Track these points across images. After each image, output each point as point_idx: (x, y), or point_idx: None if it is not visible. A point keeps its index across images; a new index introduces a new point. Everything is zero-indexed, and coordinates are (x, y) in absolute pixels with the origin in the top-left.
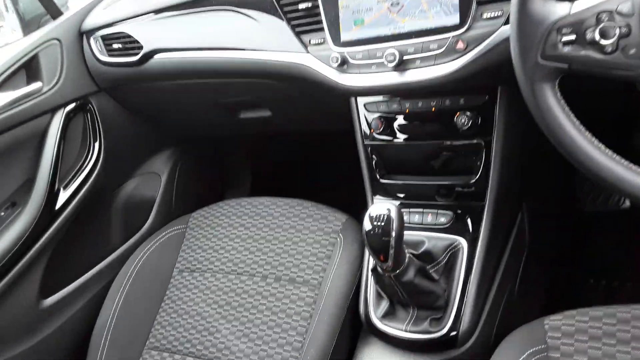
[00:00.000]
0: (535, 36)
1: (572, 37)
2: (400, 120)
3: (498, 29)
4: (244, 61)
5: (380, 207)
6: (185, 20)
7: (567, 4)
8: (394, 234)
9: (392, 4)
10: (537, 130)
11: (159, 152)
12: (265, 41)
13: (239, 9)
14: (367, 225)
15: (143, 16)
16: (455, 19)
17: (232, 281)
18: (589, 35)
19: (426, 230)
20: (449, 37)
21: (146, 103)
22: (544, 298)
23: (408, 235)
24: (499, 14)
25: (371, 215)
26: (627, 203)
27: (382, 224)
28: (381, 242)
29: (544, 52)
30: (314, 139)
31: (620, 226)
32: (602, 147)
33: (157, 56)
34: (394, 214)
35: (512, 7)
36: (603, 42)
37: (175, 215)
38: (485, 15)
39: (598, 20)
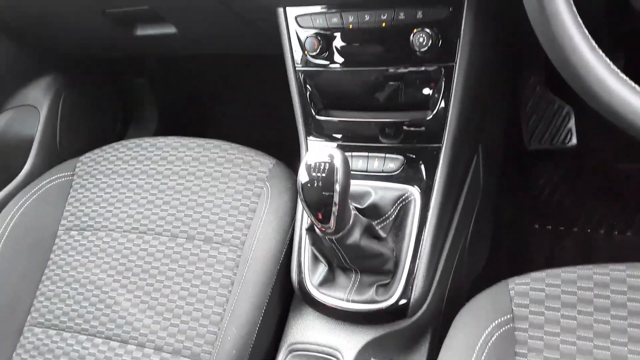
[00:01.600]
0: None
1: None
2: (341, 39)
3: None
4: None
5: (321, 153)
6: None
7: None
8: (338, 187)
9: None
10: (505, 52)
11: (35, 79)
12: None
13: None
14: (303, 176)
15: None
16: None
17: (132, 242)
18: None
19: (372, 179)
20: None
21: (9, 15)
22: (490, 245)
23: (351, 185)
24: None
25: (309, 163)
26: (574, 141)
27: (324, 174)
28: (321, 197)
29: None
30: (233, 62)
31: (566, 165)
32: (620, 73)
33: None
34: (338, 162)
35: None
36: None
37: (61, 159)
38: None
39: None
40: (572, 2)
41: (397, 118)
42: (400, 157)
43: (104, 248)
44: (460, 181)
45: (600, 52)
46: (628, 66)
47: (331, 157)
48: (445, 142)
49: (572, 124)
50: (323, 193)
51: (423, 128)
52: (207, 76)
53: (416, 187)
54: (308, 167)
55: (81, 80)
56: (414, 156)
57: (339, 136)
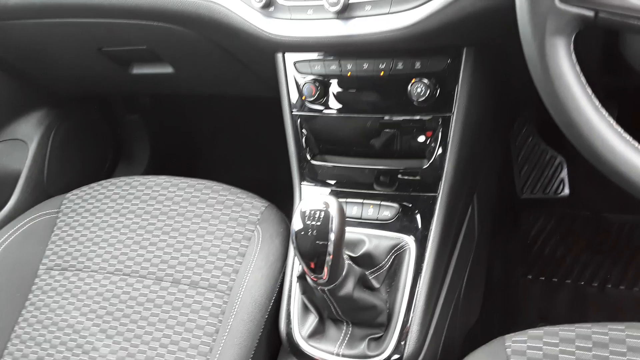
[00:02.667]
0: None
1: None
2: (339, 85)
3: None
4: None
5: (316, 200)
6: None
7: None
8: (333, 237)
9: None
10: (499, 103)
11: (26, 114)
12: None
13: None
14: (297, 223)
15: None
16: None
17: (115, 284)
18: None
19: (366, 227)
20: None
21: (4, 49)
22: (482, 297)
23: (345, 233)
24: None
25: (303, 210)
26: (567, 191)
27: (318, 223)
28: (315, 247)
29: None
30: (228, 102)
31: (559, 215)
32: (624, 133)
33: None
34: (334, 211)
35: None
36: None
37: (47, 195)
38: None
39: None
40: (575, 61)
41: (392, 166)
42: (396, 205)
43: (85, 290)
44: (455, 231)
45: (604, 111)
46: (618, 120)
47: (326, 205)
48: (441, 191)
49: (564, 174)
50: (317, 242)
51: (418, 177)
52: (201, 115)
53: (411, 236)
54: (302, 215)
55: (73, 115)
56: (410, 205)
57: (334, 182)
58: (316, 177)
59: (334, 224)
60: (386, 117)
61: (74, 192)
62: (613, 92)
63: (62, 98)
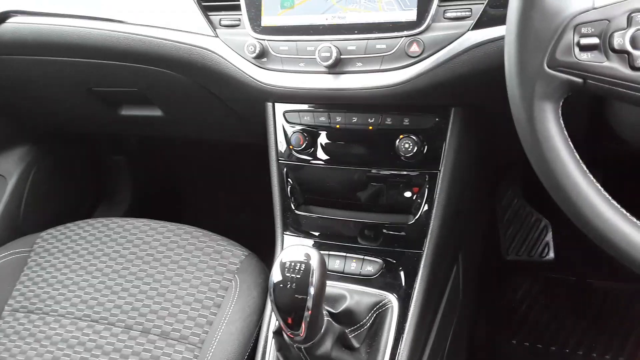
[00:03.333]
0: (545, 33)
1: (594, 40)
2: (327, 137)
3: (464, 33)
4: (128, 38)
5: (297, 251)
6: None
7: None
8: (312, 291)
9: None
10: (485, 162)
11: (8, 149)
12: (158, 14)
13: None
14: (276, 275)
15: None
16: (411, 14)
17: (81, 330)
18: (616, 41)
19: (348, 282)
20: (401, 37)
21: None
22: None
23: (326, 287)
24: (466, 14)
25: (283, 262)
26: (551, 254)
27: (298, 276)
28: (294, 300)
29: (553, 57)
30: (214, 147)
31: (543, 279)
32: (611, 199)
33: (10, 20)
34: (315, 263)
35: None
36: (634, 52)
37: (22, 232)
38: (449, 14)
39: (630, 21)
40: (563, 126)
41: (378, 220)
42: (379, 260)
43: (49, 335)
44: (440, 291)
45: (592, 177)
46: (604, 186)
47: (308, 257)
48: (426, 249)
49: (549, 237)
50: (296, 296)
51: (404, 233)
52: (186, 159)
53: (394, 294)
54: (282, 266)
55: (56, 153)
56: (394, 261)
57: (317, 233)
58: (300, 228)
59: (315, 278)
60: (373, 171)
61: (49, 231)
62: (598, 158)
63: (47, 135)
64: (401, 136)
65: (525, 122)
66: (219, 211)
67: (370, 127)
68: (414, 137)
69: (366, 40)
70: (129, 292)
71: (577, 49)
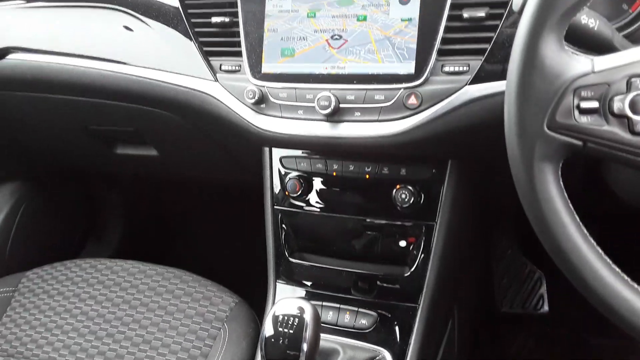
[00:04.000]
0: (545, 95)
1: (594, 104)
2: (323, 184)
3: (462, 87)
4: (127, 79)
5: (291, 304)
6: (61, 15)
7: (588, 60)
8: (305, 347)
9: (332, 37)
10: (481, 214)
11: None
12: (159, 57)
13: (132, 12)
14: (268, 329)
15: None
16: (409, 67)
17: None
18: (616, 105)
19: (341, 335)
20: (399, 89)
21: None
22: None
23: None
24: (464, 69)
25: (276, 315)
26: (546, 307)
27: (291, 331)
28: (286, 356)
29: (554, 119)
30: (209, 189)
31: (538, 333)
32: (612, 264)
33: (11, 56)
34: (309, 318)
35: (516, 53)
36: (634, 117)
37: (7, 270)
38: (447, 69)
39: (630, 86)
40: (562, 187)
41: (372, 271)
42: (374, 313)
43: None
44: (435, 346)
45: (593, 241)
46: (600, 244)
47: (301, 310)
48: (422, 302)
49: (543, 289)
50: (287, 352)
51: (399, 285)
52: (179, 199)
53: (389, 350)
54: (275, 320)
55: (47, 190)
56: (389, 315)
57: (310, 282)
58: (292, 276)
59: (308, 333)
60: (369, 220)
61: (35, 270)
62: (595, 214)
63: (39, 171)
64: (398, 186)
65: (525, 182)
66: (211, 253)
67: (367, 176)
68: (411, 188)
69: (365, 91)
70: (113, 338)
71: (577, 112)
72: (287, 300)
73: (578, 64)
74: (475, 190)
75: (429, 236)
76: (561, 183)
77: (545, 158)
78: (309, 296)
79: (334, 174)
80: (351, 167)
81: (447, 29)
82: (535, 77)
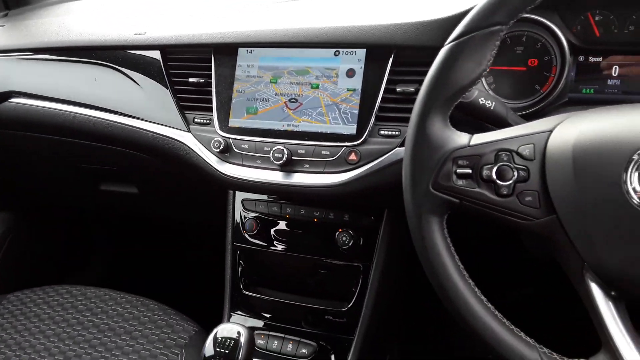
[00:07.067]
0: (430, 162)
1: (468, 170)
2: (278, 225)
3: (393, 148)
4: (113, 126)
5: (229, 328)
6: (59, 68)
7: (467, 136)
8: None
9: (290, 100)
10: (414, 258)
11: None
12: (141, 108)
13: (121, 68)
14: (209, 349)
15: (16, 53)
16: (352, 129)
17: None
18: (485, 172)
19: None
20: (342, 147)
21: None
22: None
23: None
24: (395, 133)
25: (217, 337)
26: None
27: (227, 351)
28: None
29: (437, 181)
30: (183, 226)
31: None
32: (486, 301)
33: (12, 100)
34: (243, 340)
35: (410, 128)
36: (499, 182)
37: None
38: (382, 132)
39: (497, 159)
40: (446, 235)
41: (318, 305)
42: (314, 343)
43: None
44: None
45: (470, 281)
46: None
47: (239, 334)
48: (357, 335)
49: None
50: None
51: (338, 319)
52: (156, 234)
53: None
54: (215, 340)
55: (32, 223)
56: (328, 346)
57: (262, 314)
58: (246, 307)
59: (241, 355)
60: (316, 258)
61: (16, 293)
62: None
63: (26, 204)
64: (340, 230)
65: (416, 231)
66: (179, 285)
67: (315, 220)
68: (351, 232)
69: (314, 146)
70: (80, 359)
71: (454, 176)
72: (229, 325)
73: (458, 138)
74: (408, 236)
75: (366, 275)
76: (445, 232)
77: (431, 212)
78: (259, 325)
79: (287, 216)
80: (302, 212)
81: (384, 100)
82: (423, 147)
